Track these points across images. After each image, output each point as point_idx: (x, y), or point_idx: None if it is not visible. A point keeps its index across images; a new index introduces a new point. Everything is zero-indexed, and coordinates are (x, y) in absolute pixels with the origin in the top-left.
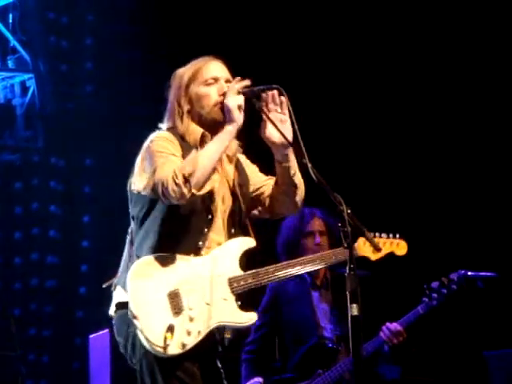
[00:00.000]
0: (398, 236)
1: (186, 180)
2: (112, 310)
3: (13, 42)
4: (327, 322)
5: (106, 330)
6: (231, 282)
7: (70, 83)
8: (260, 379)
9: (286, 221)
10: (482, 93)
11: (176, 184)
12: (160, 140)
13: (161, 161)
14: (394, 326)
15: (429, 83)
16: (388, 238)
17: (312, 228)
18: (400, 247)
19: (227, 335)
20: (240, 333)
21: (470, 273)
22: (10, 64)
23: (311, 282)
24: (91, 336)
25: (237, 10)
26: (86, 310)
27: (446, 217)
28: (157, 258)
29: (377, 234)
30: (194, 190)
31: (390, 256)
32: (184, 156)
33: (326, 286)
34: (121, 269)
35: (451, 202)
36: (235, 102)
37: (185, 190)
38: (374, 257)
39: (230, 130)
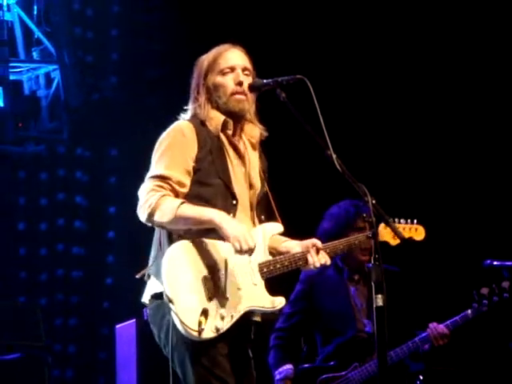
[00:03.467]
0: (415, 221)
1: (151, 215)
2: (146, 299)
3: (37, 33)
4: (364, 317)
5: (133, 320)
6: (261, 267)
7: (94, 74)
8: (291, 366)
9: (333, 209)
10: (500, 79)
11: (142, 210)
12: (172, 135)
13: (158, 166)
14: (442, 327)
15: (448, 75)
16: (406, 223)
17: (364, 224)
18: (418, 232)
19: (257, 318)
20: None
21: (495, 262)
22: (35, 55)
23: (348, 275)
24: (118, 326)
25: None
26: (113, 300)
27: (467, 205)
28: (189, 244)
29: (395, 220)
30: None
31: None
32: (200, 141)
33: (363, 282)
34: (151, 257)
35: (472, 190)
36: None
37: (144, 219)
38: (393, 242)
39: (213, 222)
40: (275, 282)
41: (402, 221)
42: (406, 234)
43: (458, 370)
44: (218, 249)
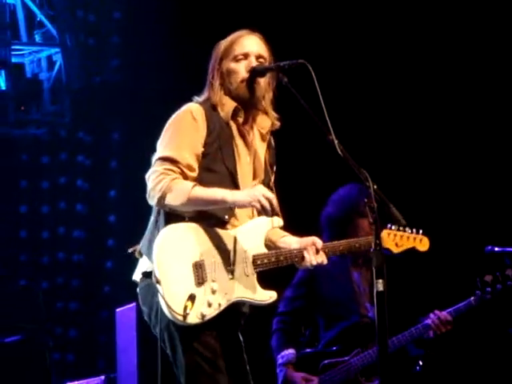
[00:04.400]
0: (421, 232)
1: (162, 198)
2: (137, 277)
3: (40, 16)
4: (367, 302)
5: (133, 304)
6: (255, 259)
7: (96, 57)
8: (293, 351)
9: (337, 195)
10: (503, 74)
11: (153, 193)
12: (183, 118)
13: (168, 148)
14: (444, 315)
15: (454, 63)
16: (411, 233)
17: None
18: (422, 243)
19: (245, 310)
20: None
21: (496, 248)
22: (37, 38)
23: (352, 260)
24: (118, 310)
25: None
26: (113, 283)
27: (468, 192)
28: (185, 227)
29: (401, 228)
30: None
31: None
32: (210, 126)
33: (367, 267)
34: (145, 236)
35: (473, 176)
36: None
37: (154, 202)
38: (396, 250)
39: (226, 200)
40: (272, 274)
41: (407, 229)
42: (410, 244)
43: (457, 356)
44: (214, 236)
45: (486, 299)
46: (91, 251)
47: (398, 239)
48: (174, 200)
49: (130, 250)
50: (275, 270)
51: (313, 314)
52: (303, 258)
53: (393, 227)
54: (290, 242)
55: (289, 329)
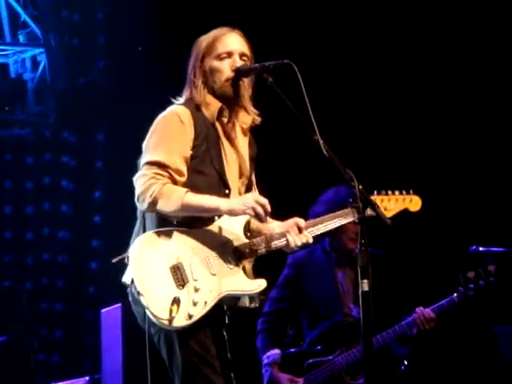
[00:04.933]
0: (411, 192)
1: (153, 203)
2: (127, 279)
3: (24, 16)
4: (351, 302)
5: (118, 305)
6: (237, 250)
7: (81, 58)
8: (278, 351)
9: (326, 194)
10: (494, 62)
11: (143, 198)
12: (170, 120)
13: (157, 152)
14: (428, 312)
15: (437, 57)
16: (401, 194)
17: None
18: (414, 203)
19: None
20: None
21: (481, 248)
22: (21, 38)
23: (336, 259)
24: (103, 310)
25: None
26: (98, 284)
27: (453, 191)
28: (158, 233)
29: (389, 191)
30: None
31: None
32: (197, 128)
33: (351, 267)
34: (132, 240)
35: (459, 176)
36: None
37: (144, 207)
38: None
39: (220, 209)
40: (261, 265)
41: (396, 192)
42: (400, 206)
43: (442, 354)
44: (190, 235)
45: (469, 296)
46: (76, 252)
47: (386, 203)
48: (166, 206)
49: (114, 260)
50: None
51: (297, 314)
52: (287, 240)
53: (380, 192)
54: (273, 227)
55: (274, 329)
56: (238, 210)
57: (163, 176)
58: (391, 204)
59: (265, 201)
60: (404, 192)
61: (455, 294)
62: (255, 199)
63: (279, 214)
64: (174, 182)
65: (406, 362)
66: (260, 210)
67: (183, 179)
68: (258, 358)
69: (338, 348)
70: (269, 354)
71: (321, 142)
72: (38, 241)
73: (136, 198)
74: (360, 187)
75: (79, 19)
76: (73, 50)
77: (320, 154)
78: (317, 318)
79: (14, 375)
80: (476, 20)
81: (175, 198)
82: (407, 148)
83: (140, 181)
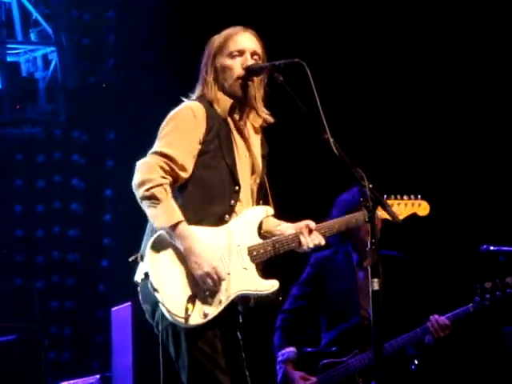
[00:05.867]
0: (419, 197)
1: (146, 199)
2: (139, 278)
3: (35, 14)
4: (369, 304)
5: (128, 303)
6: (251, 250)
7: (92, 56)
8: (294, 349)
9: (342, 196)
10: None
11: (140, 187)
12: (184, 115)
13: (166, 144)
14: (443, 319)
15: (444, 56)
16: (409, 199)
17: None
18: (422, 208)
19: (241, 308)
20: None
21: (492, 247)
22: (33, 37)
23: (358, 261)
24: (113, 309)
25: None
26: (108, 283)
27: (463, 190)
28: None
29: (398, 196)
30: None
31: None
32: (209, 123)
33: None
34: (144, 240)
35: (468, 175)
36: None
37: (137, 196)
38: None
39: (182, 245)
40: (282, 264)
41: (404, 197)
42: (409, 210)
43: (452, 355)
44: (206, 233)
45: (485, 306)
46: (86, 250)
47: (395, 208)
48: (152, 214)
49: (130, 259)
50: (283, 261)
51: (316, 313)
52: (300, 242)
53: (388, 197)
54: (285, 228)
55: (291, 327)
56: (192, 269)
57: (164, 170)
58: (400, 208)
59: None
60: (412, 197)
61: (471, 305)
62: (214, 272)
63: (289, 212)
64: (176, 177)
65: (416, 362)
66: (209, 283)
67: (185, 175)
68: (274, 354)
69: (353, 350)
70: (284, 351)
71: (331, 140)
72: (48, 239)
73: (133, 184)
74: (370, 186)
75: (89, 18)
76: (83, 49)
77: (330, 153)
78: (335, 319)
79: (24, 373)
80: (486, 23)
81: (165, 219)
82: (416, 148)
83: (143, 168)
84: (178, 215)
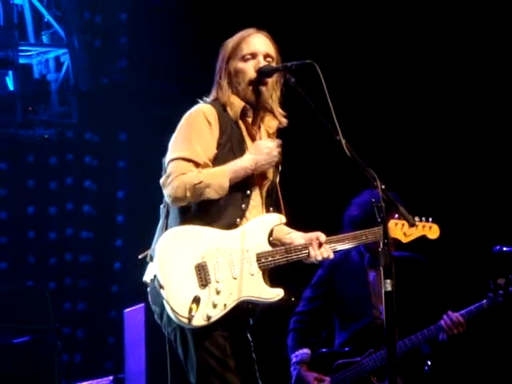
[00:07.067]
0: (430, 220)
1: (199, 194)
2: (148, 278)
3: (47, 17)
4: (381, 304)
5: (141, 305)
6: (259, 257)
7: (104, 58)
8: (308, 350)
9: (361, 197)
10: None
11: (186, 188)
12: (196, 119)
13: (184, 150)
14: (457, 316)
15: (462, 61)
16: (420, 221)
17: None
18: (433, 231)
19: (252, 307)
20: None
21: (505, 248)
22: (45, 39)
23: (369, 260)
24: (126, 310)
25: None
26: (121, 284)
27: (476, 192)
28: (186, 230)
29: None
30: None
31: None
32: (222, 127)
33: None
34: (155, 240)
35: (480, 176)
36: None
37: (191, 201)
38: (405, 239)
39: (248, 170)
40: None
41: (416, 218)
42: (419, 232)
43: (465, 355)
44: (216, 236)
45: (499, 302)
46: (99, 252)
47: (406, 229)
48: (216, 191)
49: (140, 256)
50: (294, 269)
51: (330, 314)
52: (309, 254)
53: (400, 217)
54: (295, 237)
55: (305, 328)
56: (265, 163)
57: (191, 171)
58: (411, 230)
59: (271, 144)
60: (424, 219)
61: (485, 301)
62: (267, 146)
63: (301, 214)
64: None
65: (429, 363)
66: (276, 153)
67: None
68: (288, 356)
69: (367, 350)
70: (298, 353)
71: (343, 141)
72: (60, 241)
73: (172, 198)
74: (383, 187)
75: (101, 20)
76: (95, 51)
77: (343, 154)
78: (348, 319)
79: (37, 375)
80: (490, 24)
81: (219, 183)
82: (428, 150)
83: (175, 172)
84: (222, 169)
